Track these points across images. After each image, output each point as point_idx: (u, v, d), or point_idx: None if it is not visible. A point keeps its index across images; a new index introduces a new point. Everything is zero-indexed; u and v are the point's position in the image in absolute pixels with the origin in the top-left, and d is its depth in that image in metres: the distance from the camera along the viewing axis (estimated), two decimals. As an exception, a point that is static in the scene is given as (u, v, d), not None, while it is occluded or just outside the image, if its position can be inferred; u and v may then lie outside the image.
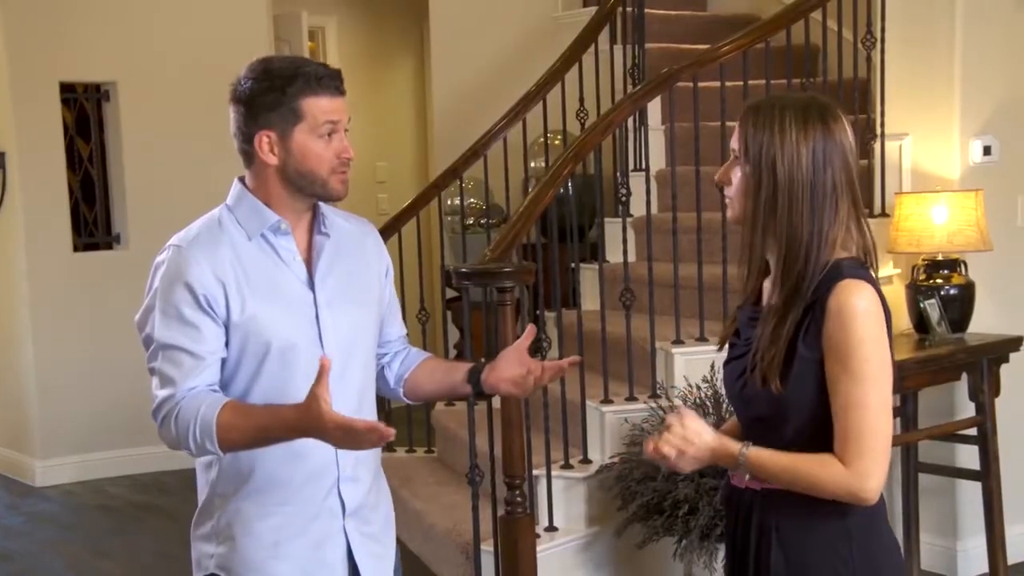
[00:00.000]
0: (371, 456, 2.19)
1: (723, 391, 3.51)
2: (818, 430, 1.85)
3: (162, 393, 1.98)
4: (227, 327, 2.00)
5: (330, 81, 2.03)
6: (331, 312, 2.08)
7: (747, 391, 1.92)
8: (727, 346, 2.06)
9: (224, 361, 2.02)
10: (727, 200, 1.95)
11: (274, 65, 2.04)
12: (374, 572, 2.15)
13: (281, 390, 2.01)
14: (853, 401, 1.80)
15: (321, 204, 2.13)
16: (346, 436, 1.81)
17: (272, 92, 2.00)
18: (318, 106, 2.01)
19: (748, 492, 1.95)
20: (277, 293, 2.04)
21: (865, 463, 1.80)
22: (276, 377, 2.02)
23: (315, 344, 2.05)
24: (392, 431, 1.81)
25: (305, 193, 2.07)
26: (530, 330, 2.14)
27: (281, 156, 2.02)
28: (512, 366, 2.15)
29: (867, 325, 1.80)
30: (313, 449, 2.04)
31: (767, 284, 1.95)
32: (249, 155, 2.06)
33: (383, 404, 4.82)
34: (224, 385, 2.03)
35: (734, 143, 1.92)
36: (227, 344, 2.01)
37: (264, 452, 2.03)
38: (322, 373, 1.80)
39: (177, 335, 1.97)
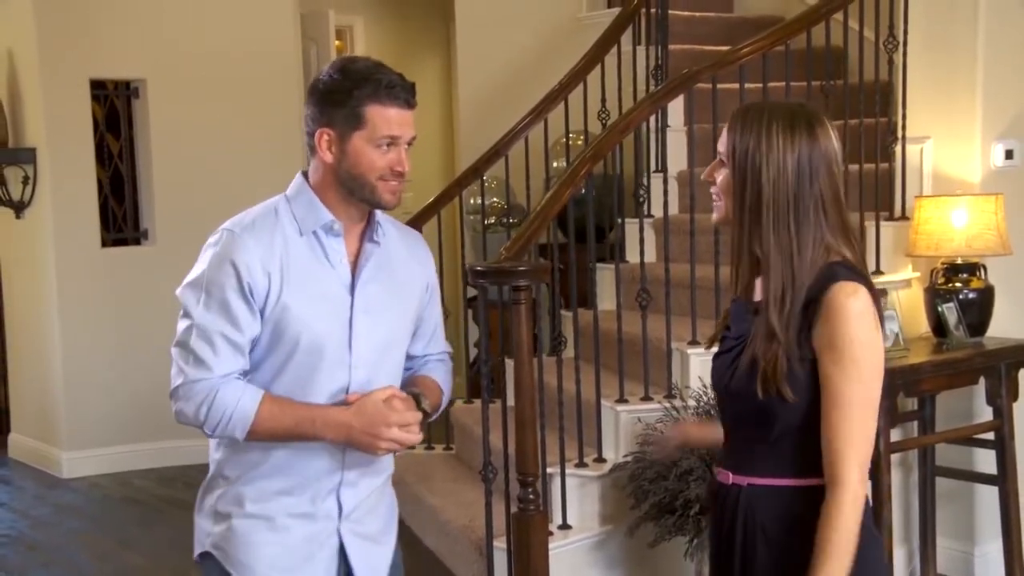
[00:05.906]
0: (383, 470, 2.21)
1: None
2: (806, 432, 1.88)
3: (192, 373, 2.00)
4: (262, 316, 2.02)
5: (401, 92, 2.01)
6: (368, 319, 2.08)
7: (734, 384, 1.94)
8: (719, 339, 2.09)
9: (252, 350, 2.04)
10: (713, 200, 1.98)
11: (352, 65, 2.03)
12: (366, 569, 2.17)
13: (303, 386, 2.04)
14: (841, 399, 1.83)
15: (378, 213, 2.12)
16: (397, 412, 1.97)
17: (341, 92, 1.99)
18: (383, 116, 2.00)
19: (734, 488, 1.97)
20: (315, 291, 2.05)
21: (849, 466, 1.82)
22: (301, 372, 2.04)
23: (344, 347, 2.06)
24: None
25: (355, 197, 2.05)
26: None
27: (337, 156, 2.03)
28: None
29: (860, 326, 1.83)
30: (323, 449, 2.08)
31: (759, 280, 1.98)
32: (312, 148, 2.07)
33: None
34: (248, 373, 2.05)
35: (721, 145, 1.95)
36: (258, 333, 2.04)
37: (277, 444, 2.06)
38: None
39: (217, 319, 2.00)
